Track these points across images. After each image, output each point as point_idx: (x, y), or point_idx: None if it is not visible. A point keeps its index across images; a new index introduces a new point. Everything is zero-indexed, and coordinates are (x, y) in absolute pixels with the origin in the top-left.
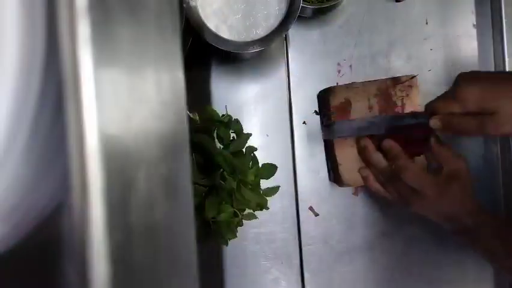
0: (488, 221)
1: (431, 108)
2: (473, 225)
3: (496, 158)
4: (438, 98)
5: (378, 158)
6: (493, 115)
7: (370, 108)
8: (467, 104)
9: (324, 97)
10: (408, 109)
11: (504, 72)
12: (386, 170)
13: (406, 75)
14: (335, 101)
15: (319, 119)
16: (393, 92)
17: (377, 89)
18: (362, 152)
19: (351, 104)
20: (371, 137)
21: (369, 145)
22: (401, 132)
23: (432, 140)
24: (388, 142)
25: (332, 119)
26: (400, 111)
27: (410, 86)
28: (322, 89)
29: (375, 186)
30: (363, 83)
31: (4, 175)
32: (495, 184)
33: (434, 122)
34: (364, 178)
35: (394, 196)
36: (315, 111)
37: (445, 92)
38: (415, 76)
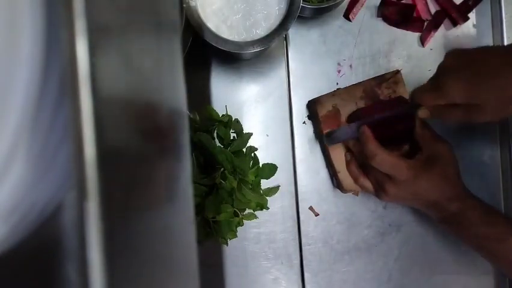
0: (476, 205)
1: (417, 100)
2: (459, 210)
3: (495, 159)
4: (424, 90)
5: (356, 143)
6: (478, 106)
7: None
8: (453, 98)
9: (312, 108)
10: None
11: (487, 50)
12: (362, 155)
13: (389, 72)
14: (323, 111)
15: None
16: (379, 91)
17: (363, 91)
18: None
19: (339, 111)
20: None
21: None
22: (391, 123)
23: (418, 121)
24: (361, 128)
25: (322, 128)
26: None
27: (396, 82)
28: (312, 98)
29: (355, 172)
30: (347, 88)
31: (7, 177)
32: (494, 184)
33: (423, 113)
34: (347, 162)
35: (372, 182)
36: (307, 117)
37: (430, 83)
38: (399, 71)
